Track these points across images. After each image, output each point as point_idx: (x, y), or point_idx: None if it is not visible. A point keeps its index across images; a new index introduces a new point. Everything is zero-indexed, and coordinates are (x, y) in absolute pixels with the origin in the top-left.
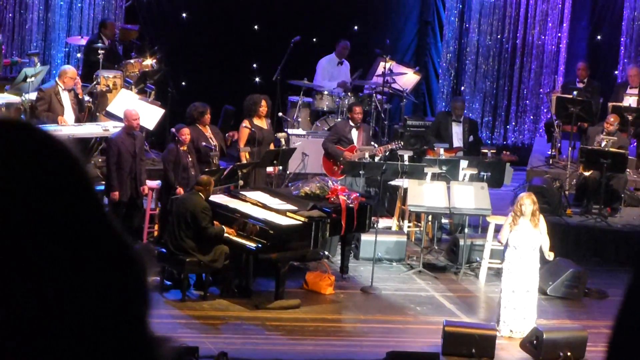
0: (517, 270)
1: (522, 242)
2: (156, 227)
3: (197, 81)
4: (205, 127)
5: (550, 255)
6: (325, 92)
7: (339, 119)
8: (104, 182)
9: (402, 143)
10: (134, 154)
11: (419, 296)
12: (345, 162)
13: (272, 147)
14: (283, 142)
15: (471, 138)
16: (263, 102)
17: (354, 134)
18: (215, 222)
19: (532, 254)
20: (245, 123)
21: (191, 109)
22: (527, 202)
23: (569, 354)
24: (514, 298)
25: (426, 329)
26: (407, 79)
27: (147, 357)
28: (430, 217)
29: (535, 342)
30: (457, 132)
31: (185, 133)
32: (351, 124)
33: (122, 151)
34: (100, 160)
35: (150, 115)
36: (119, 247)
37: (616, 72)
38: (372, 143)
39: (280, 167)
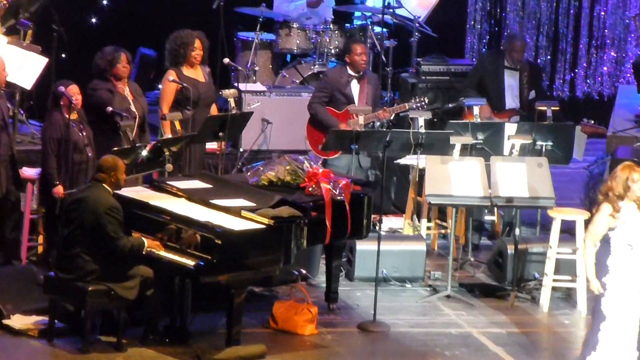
0: (633, 285)
1: (637, 237)
2: (40, 238)
3: (97, 13)
4: (122, 81)
5: None
6: (295, 25)
7: (316, 65)
8: None
9: (426, 100)
10: (1, 124)
11: (448, 334)
12: (330, 132)
13: (214, 110)
14: (232, 104)
15: (532, 94)
16: (197, 42)
17: (354, 87)
18: (135, 232)
19: None
20: (172, 75)
21: (96, 58)
22: (637, 176)
23: None
24: (626, 335)
25: None
26: (421, 0)
27: None
28: (461, 213)
29: None
30: (511, 84)
31: (74, 92)
32: (350, 72)
33: None
34: None
35: (26, 67)
36: None
37: None
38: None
39: (229, 142)
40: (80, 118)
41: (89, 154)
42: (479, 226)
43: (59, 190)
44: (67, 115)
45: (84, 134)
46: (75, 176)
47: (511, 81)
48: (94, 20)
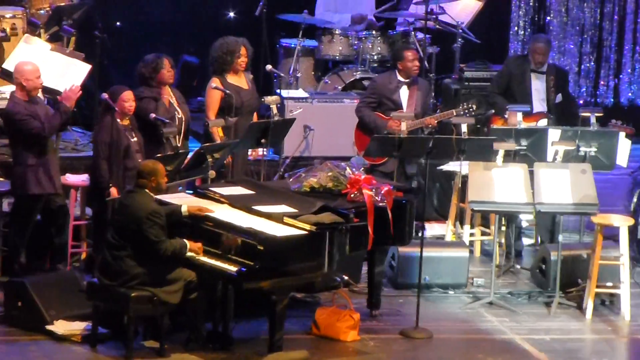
0: None
1: None
2: (84, 244)
3: (140, 20)
4: (166, 88)
5: None
6: (337, 31)
7: (359, 71)
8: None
9: (474, 107)
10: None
11: (491, 340)
12: (372, 138)
13: (256, 117)
14: (274, 111)
15: (559, 97)
16: (242, 49)
17: (404, 93)
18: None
19: None
20: (215, 82)
21: (139, 67)
22: None
23: None
24: None
25: None
26: (464, 6)
27: None
28: (504, 220)
29: None
30: (538, 88)
31: (128, 98)
32: (400, 78)
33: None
34: None
35: (69, 73)
36: None
37: None
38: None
39: (271, 149)
40: (131, 124)
41: (140, 160)
42: (520, 233)
43: (113, 192)
44: (118, 120)
45: (135, 139)
46: (126, 181)
47: (537, 85)
48: (136, 27)
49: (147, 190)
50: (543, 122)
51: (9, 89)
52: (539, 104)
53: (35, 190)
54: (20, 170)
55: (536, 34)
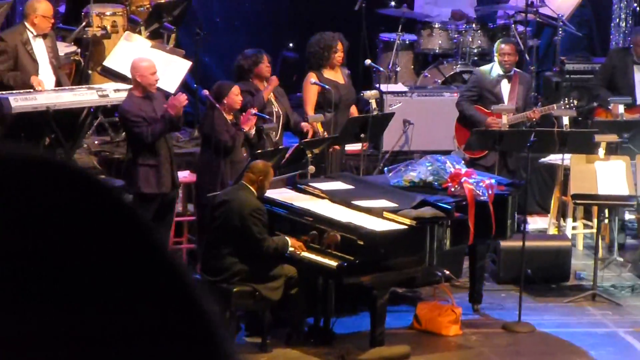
0: None
1: None
2: (185, 240)
3: (239, 17)
4: (262, 83)
5: None
6: (437, 25)
7: (458, 65)
8: (102, 175)
9: (575, 102)
10: None
11: (594, 334)
12: (472, 132)
13: (354, 112)
14: (373, 105)
15: None
16: (339, 44)
17: (504, 86)
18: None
19: None
20: (313, 77)
21: (239, 59)
22: None
23: None
24: None
25: None
26: None
27: None
28: (607, 213)
29: None
30: None
31: (238, 92)
32: (500, 72)
33: None
34: (96, 142)
35: (170, 70)
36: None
37: None
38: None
39: (371, 143)
40: (235, 119)
41: (244, 154)
42: (623, 225)
43: (245, 119)
44: (224, 115)
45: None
46: (230, 175)
47: None
48: (236, 23)
49: (251, 188)
50: None
51: (110, 86)
52: None
53: (146, 189)
54: (133, 168)
55: (637, 26)
